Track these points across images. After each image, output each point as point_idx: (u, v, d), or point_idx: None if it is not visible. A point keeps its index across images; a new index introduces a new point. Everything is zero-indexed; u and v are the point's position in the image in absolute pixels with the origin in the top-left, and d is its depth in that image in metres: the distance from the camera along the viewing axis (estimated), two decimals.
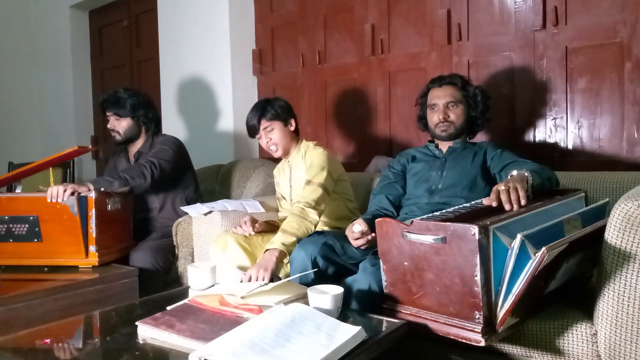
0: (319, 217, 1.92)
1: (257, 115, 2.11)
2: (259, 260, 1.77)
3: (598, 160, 2.14)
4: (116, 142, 2.53)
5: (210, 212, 2.21)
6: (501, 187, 1.39)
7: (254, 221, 2.03)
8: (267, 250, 1.78)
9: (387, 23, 2.74)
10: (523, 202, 1.36)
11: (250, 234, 2.00)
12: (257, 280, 1.66)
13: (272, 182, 2.72)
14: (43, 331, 1.34)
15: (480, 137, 2.14)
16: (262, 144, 2.17)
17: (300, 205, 1.90)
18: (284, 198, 2.27)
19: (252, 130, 2.14)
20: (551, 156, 2.23)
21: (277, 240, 1.78)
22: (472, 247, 1.17)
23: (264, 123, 2.10)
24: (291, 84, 3.14)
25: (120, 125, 2.47)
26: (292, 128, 2.16)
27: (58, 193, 1.97)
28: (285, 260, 1.78)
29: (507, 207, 1.34)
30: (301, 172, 2.12)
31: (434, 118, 1.95)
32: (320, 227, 2.04)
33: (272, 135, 2.12)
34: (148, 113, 2.52)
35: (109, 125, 2.50)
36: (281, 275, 1.86)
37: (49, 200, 1.97)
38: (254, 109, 2.14)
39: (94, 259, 2.04)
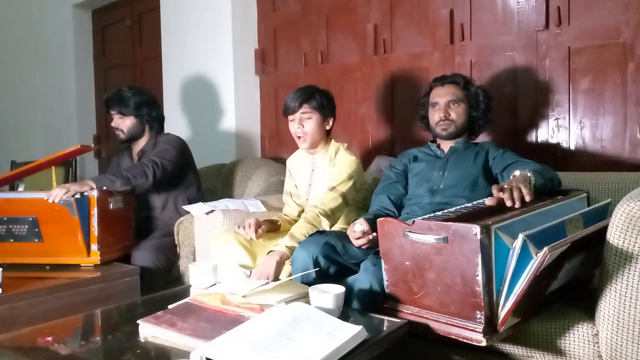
0: (331, 227, 1.90)
1: (302, 97, 2.01)
2: (260, 265, 1.77)
3: (600, 161, 2.14)
4: (120, 140, 2.53)
5: (212, 211, 2.21)
6: (504, 186, 1.38)
7: (258, 225, 1.96)
8: (270, 252, 1.78)
9: (390, 23, 2.74)
10: (528, 198, 1.36)
11: (252, 238, 1.95)
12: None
13: (274, 182, 2.72)
14: (45, 329, 1.34)
15: (482, 137, 2.13)
16: (291, 128, 2.07)
17: (316, 211, 1.87)
18: (290, 194, 2.23)
19: (289, 110, 2.03)
20: (553, 156, 2.23)
21: (283, 244, 1.77)
22: (473, 247, 1.17)
23: (305, 108, 2.01)
24: (293, 84, 3.12)
25: (124, 123, 2.48)
26: (328, 127, 2.09)
27: (57, 194, 1.97)
28: (287, 262, 1.78)
29: (508, 203, 1.32)
30: (325, 174, 2.07)
31: (435, 116, 1.96)
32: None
33: (305, 124, 2.03)
34: (152, 112, 2.52)
35: (112, 124, 2.50)
36: (283, 274, 1.85)
37: (45, 198, 1.97)
38: (301, 90, 2.04)
39: (95, 257, 2.04)
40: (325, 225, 1.86)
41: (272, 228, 2.07)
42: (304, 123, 2.03)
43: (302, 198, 2.19)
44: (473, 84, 1.99)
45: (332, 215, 1.90)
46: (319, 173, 2.12)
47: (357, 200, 2.12)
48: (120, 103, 2.46)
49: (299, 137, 2.06)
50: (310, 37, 3.08)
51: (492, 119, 2.01)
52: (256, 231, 1.95)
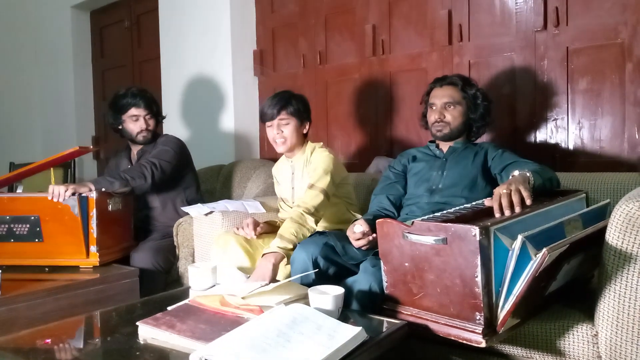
0: (316, 224, 1.91)
1: (279, 104, 2.04)
2: (256, 270, 1.77)
3: (599, 161, 2.14)
4: (145, 141, 2.50)
5: (211, 212, 2.21)
6: (503, 189, 1.38)
7: (256, 224, 2.00)
8: (264, 254, 1.78)
9: (388, 24, 2.74)
10: (528, 202, 1.36)
11: (251, 237, 1.98)
12: None
13: (273, 183, 2.72)
14: (44, 331, 1.34)
15: (481, 138, 2.13)
16: (268, 133, 2.10)
17: (300, 210, 1.88)
18: (283, 200, 2.25)
19: (267, 116, 2.06)
20: (552, 157, 2.23)
21: (274, 245, 1.77)
22: (473, 248, 1.17)
23: (283, 114, 2.04)
24: (292, 85, 3.13)
25: (152, 124, 2.49)
26: (305, 131, 2.11)
27: (59, 193, 1.97)
28: (284, 262, 1.78)
29: (506, 212, 1.32)
30: (305, 174, 2.09)
31: (431, 117, 1.96)
32: (321, 229, 2.03)
33: (284, 129, 2.05)
34: (162, 114, 2.60)
35: (140, 125, 2.45)
36: (282, 275, 1.85)
37: (49, 198, 1.97)
38: (278, 96, 2.07)
39: (94, 259, 2.04)
40: (310, 222, 1.87)
41: (270, 229, 2.08)
42: (282, 129, 2.06)
43: (289, 202, 2.20)
44: (473, 85, 1.97)
45: (315, 212, 1.90)
46: (299, 175, 2.14)
47: (340, 196, 2.12)
48: (152, 102, 2.48)
49: (277, 142, 2.08)
50: (309, 38, 3.08)
51: (490, 122, 2.01)
52: (254, 230, 1.96)
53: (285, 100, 2.05)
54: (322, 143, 2.16)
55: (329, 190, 1.97)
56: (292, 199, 2.18)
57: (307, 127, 2.12)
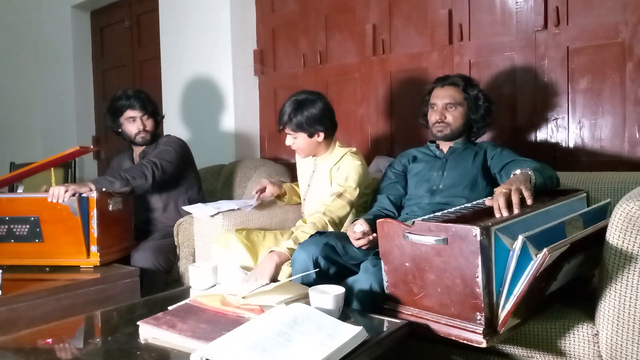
0: None
1: (283, 120, 2.02)
2: (258, 265, 1.76)
3: (599, 161, 2.14)
4: (145, 142, 2.50)
5: (217, 213, 2.18)
6: (503, 189, 1.38)
7: (262, 189, 2.21)
8: (271, 251, 1.77)
9: (389, 23, 2.74)
10: (529, 201, 1.36)
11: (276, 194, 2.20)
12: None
13: (273, 182, 2.72)
14: (45, 331, 1.34)
15: (481, 137, 2.13)
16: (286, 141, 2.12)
17: (325, 219, 1.86)
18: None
19: (279, 128, 2.08)
20: (552, 156, 2.23)
21: (285, 245, 1.77)
22: (473, 248, 1.17)
23: (288, 130, 2.04)
24: (292, 84, 3.13)
25: (149, 124, 2.49)
26: (320, 139, 2.06)
27: (59, 194, 1.97)
28: (287, 263, 1.78)
29: (504, 213, 1.32)
30: (325, 176, 2.08)
31: (432, 117, 1.96)
32: None
33: (295, 141, 2.06)
34: (161, 113, 2.60)
35: (137, 126, 2.45)
36: (284, 275, 1.85)
37: (49, 200, 1.97)
38: (288, 108, 2.02)
39: (95, 259, 2.04)
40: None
41: (280, 192, 2.28)
42: (293, 140, 2.07)
43: (301, 198, 2.20)
44: (474, 86, 1.97)
45: (339, 223, 1.91)
46: (319, 175, 2.13)
47: (357, 204, 2.11)
48: (148, 103, 2.48)
49: (295, 150, 2.12)
50: (309, 38, 3.08)
51: (491, 122, 2.01)
52: (279, 187, 2.24)
53: (288, 116, 2.01)
54: (355, 149, 2.13)
55: (355, 202, 1.97)
56: (304, 196, 2.18)
57: (320, 136, 2.05)
